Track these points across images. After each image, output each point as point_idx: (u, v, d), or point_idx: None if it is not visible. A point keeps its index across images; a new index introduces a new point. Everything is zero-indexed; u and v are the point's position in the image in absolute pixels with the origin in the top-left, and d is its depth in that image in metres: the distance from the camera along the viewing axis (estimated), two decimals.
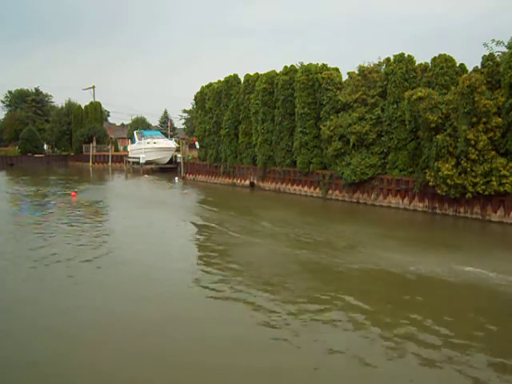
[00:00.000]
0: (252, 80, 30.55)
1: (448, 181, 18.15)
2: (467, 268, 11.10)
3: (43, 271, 11.17)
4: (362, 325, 7.99)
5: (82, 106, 63.09)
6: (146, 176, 42.18)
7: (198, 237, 15.99)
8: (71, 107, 66.04)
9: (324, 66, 26.15)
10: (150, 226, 17.33)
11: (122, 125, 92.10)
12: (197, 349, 7.20)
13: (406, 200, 21.33)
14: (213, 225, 17.21)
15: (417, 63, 21.91)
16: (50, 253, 12.65)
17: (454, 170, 18.02)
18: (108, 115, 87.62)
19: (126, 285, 10.31)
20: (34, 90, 77.79)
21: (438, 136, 18.53)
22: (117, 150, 60.89)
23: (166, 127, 68.14)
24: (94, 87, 67.27)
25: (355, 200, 23.56)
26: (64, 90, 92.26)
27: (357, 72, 24.28)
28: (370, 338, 7.51)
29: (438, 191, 19.01)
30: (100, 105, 63.94)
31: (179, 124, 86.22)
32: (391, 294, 9.76)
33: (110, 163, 55.17)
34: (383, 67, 23.31)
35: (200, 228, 17.24)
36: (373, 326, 7.93)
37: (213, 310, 8.84)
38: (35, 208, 21.49)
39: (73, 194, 26.08)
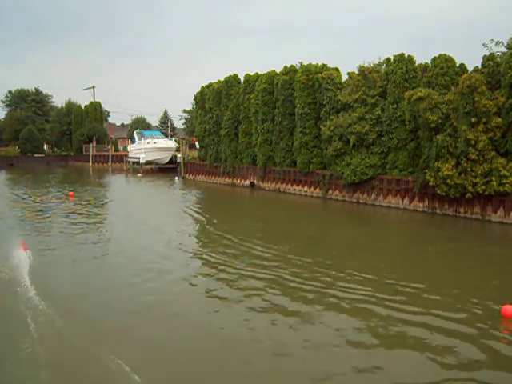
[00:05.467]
0: (252, 80, 30.54)
1: (448, 181, 18.12)
2: None
3: None
4: None
5: (82, 106, 63.14)
6: (139, 175, 42.22)
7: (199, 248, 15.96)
8: (71, 107, 66.12)
9: (324, 65, 26.11)
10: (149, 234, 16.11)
11: (122, 125, 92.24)
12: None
13: (406, 200, 21.30)
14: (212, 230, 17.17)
15: (417, 63, 21.90)
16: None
17: (454, 170, 17.99)
18: (108, 115, 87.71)
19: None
20: (34, 90, 77.81)
21: (438, 136, 18.51)
22: (117, 149, 60.89)
23: (166, 127, 68.16)
24: (94, 87, 67.39)
25: (355, 200, 23.53)
26: (64, 89, 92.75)
27: (357, 72, 24.26)
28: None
29: (438, 191, 18.98)
30: (100, 105, 63.99)
31: (179, 124, 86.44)
32: None
33: (110, 163, 55.18)
34: (383, 67, 23.30)
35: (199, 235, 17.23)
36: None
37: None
38: None
39: (70, 193, 26.05)
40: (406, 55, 21.84)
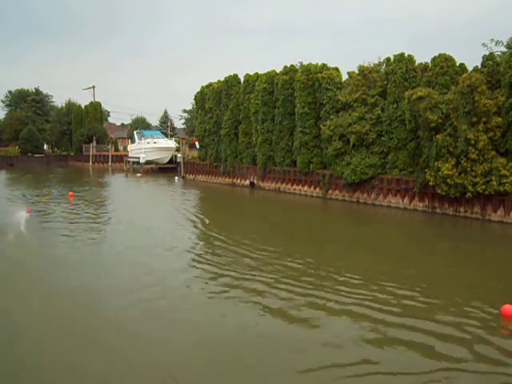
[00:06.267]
0: (252, 80, 30.54)
1: (448, 180, 18.12)
2: None
3: None
4: None
5: (82, 106, 63.15)
6: (139, 175, 42.32)
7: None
8: (71, 107, 66.14)
9: (324, 65, 26.12)
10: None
11: (122, 125, 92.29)
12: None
13: (405, 200, 21.30)
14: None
15: (417, 63, 21.90)
16: None
17: (454, 170, 17.99)
18: (108, 115, 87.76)
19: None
20: (34, 90, 77.82)
21: (437, 136, 18.51)
22: (117, 149, 60.91)
23: (166, 127, 68.19)
24: (94, 87, 67.43)
25: (355, 200, 23.54)
26: (64, 89, 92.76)
27: (357, 72, 24.27)
28: None
29: (438, 191, 18.99)
30: (100, 105, 64.02)
31: (179, 124, 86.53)
32: None
33: (110, 163, 55.19)
34: (383, 67, 23.30)
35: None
36: None
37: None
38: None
39: (70, 194, 26.02)
40: (405, 55, 21.84)
